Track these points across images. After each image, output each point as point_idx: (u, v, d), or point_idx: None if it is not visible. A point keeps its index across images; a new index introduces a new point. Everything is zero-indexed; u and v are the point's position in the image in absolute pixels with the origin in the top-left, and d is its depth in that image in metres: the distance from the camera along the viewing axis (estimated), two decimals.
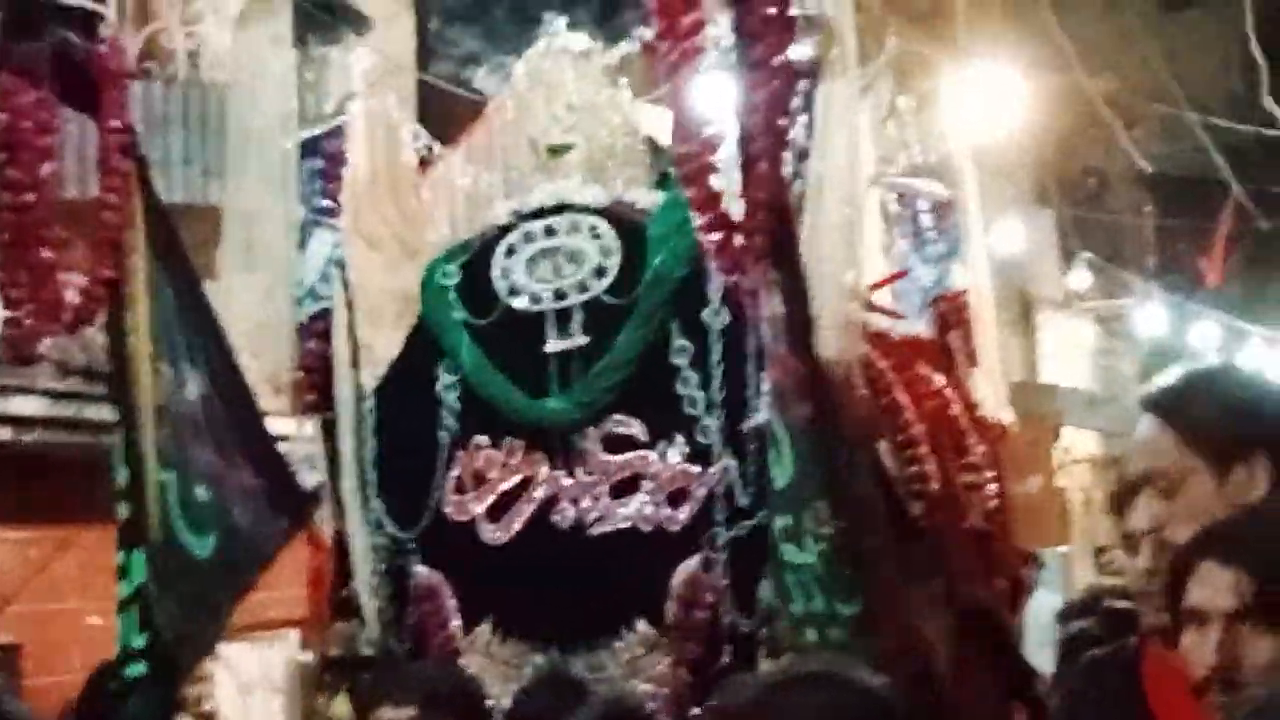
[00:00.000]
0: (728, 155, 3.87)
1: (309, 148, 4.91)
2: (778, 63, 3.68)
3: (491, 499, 4.78)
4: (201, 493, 4.47)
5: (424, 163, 5.26)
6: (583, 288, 4.77)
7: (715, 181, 3.88)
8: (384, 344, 5.02)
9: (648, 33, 4.31)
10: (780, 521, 3.91)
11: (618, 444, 4.66)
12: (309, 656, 4.97)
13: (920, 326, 5.24)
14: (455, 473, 4.83)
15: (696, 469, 4.54)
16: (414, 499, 4.86)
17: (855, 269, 4.04)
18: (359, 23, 5.03)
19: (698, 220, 3.98)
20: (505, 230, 4.93)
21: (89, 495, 5.09)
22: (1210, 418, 2.37)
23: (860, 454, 3.84)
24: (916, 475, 4.65)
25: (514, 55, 5.18)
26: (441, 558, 4.82)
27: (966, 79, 6.82)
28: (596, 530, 4.65)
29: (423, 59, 9.58)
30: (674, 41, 3.89)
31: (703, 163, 3.89)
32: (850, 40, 3.88)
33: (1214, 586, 2.08)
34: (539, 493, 4.73)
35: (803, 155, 3.84)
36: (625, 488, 4.63)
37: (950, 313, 5.32)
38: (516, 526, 4.74)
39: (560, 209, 4.88)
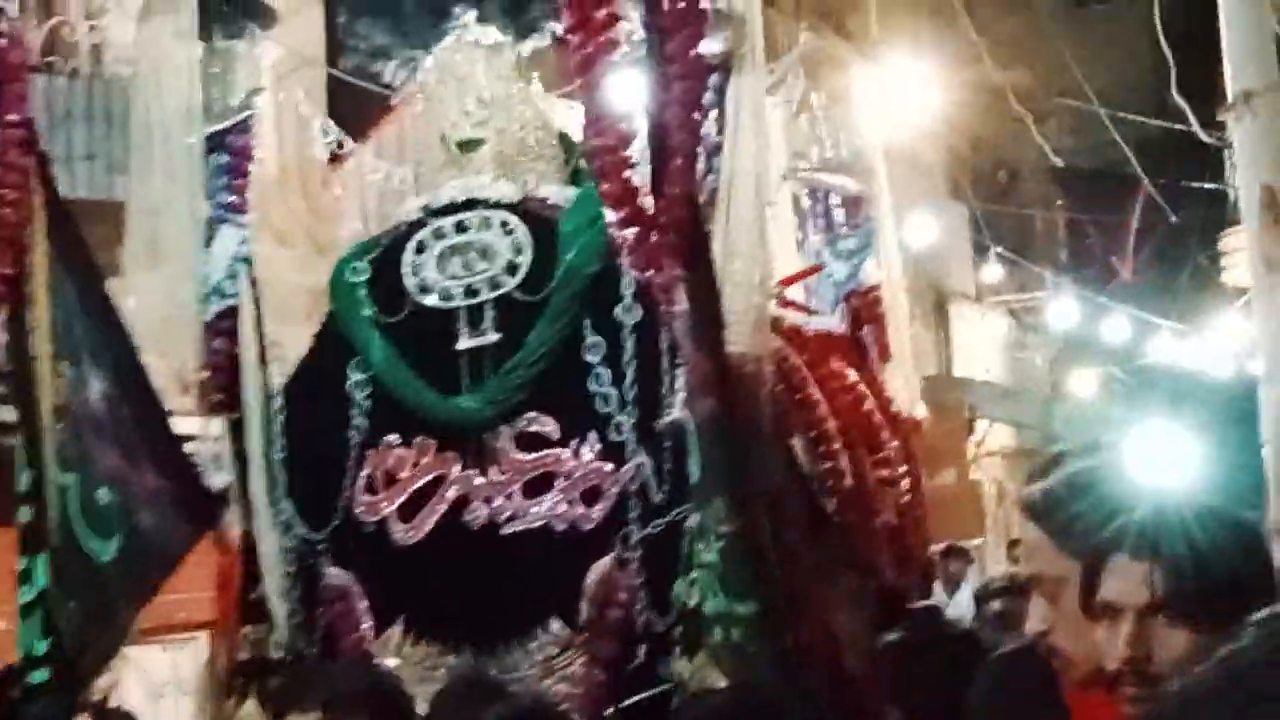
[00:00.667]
0: (640, 150, 3.85)
1: (215, 142, 4.83)
2: (689, 58, 3.67)
3: (403, 499, 4.72)
4: (104, 495, 4.40)
5: (334, 157, 5.20)
6: (494, 284, 4.72)
7: (628, 177, 3.85)
8: (293, 342, 4.95)
9: (559, 27, 4.28)
10: (692, 519, 3.89)
11: (530, 442, 4.62)
12: (217, 660, 4.88)
13: (833, 321, 5.26)
14: (366, 472, 4.77)
15: (610, 467, 4.51)
16: (324, 499, 4.80)
17: (768, 265, 4.03)
18: (266, 16, 4.95)
19: (610, 216, 3.96)
20: (416, 226, 4.88)
21: None
22: (1077, 525, 2.26)
23: (770, 450, 3.83)
24: (830, 470, 4.67)
25: (424, 49, 5.12)
26: (353, 559, 4.76)
27: (878, 74, 6.84)
28: (509, 529, 4.61)
29: (332, 52, 9.52)
30: (586, 36, 3.86)
31: (615, 158, 3.87)
32: (761, 36, 3.87)
33: (1126, 580, 2.08)
34: (451, 492, 4.68)
35: (715, 151, 3.82)
36: (538, 486, 4.59)
37: (863, 307, 5.35)
38: (429, 526, 4.69)
39: (471, 204, 4.83)
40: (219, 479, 4.84)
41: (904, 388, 5.31)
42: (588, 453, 4.54)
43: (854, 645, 4.16)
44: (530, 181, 4.89)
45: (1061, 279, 17.22)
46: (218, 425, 4.98)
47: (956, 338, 17.41)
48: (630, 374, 4.50)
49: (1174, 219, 15.68)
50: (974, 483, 15.54)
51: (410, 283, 4.81)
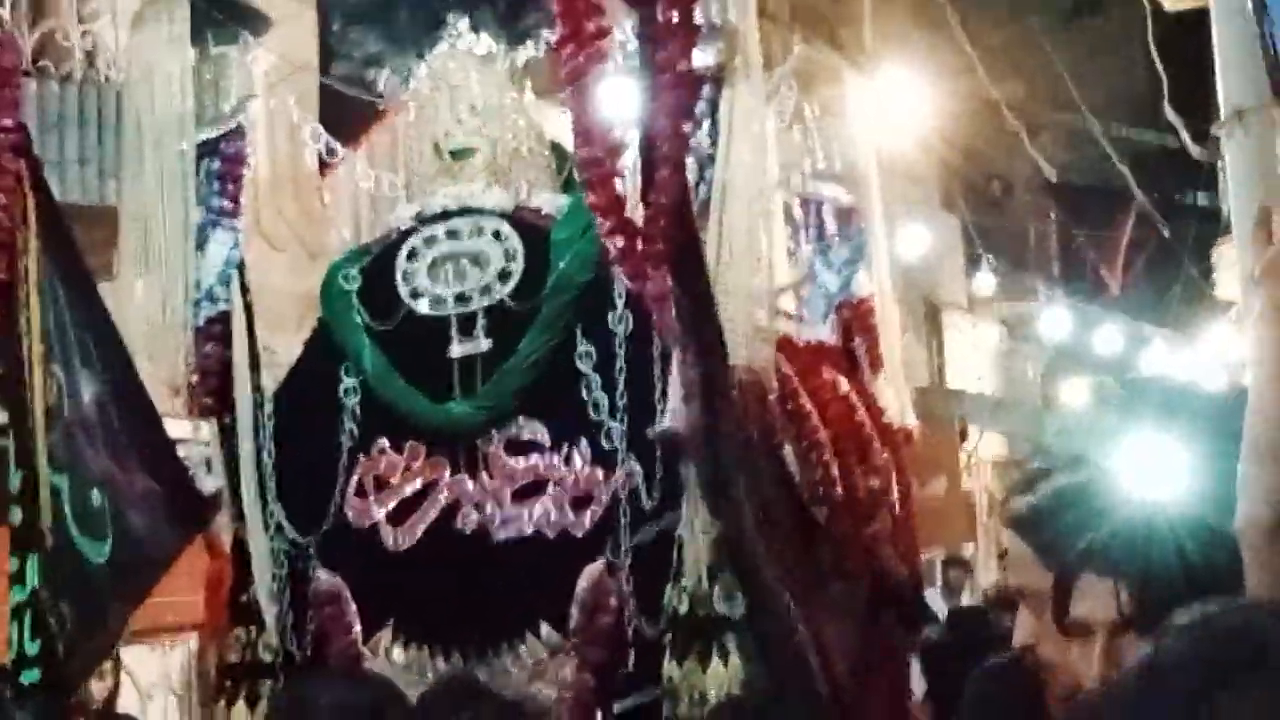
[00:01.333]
0: (631, 160, 3.86)
1: (207, 148, 4.84)
2: (681, 68, 3.68)
3: (394, 504, 4.73)
4: (96, 497, 4.40)
5: (326, 164, 5.21)
6: (486, 292, 4.73)
7: (619, 186, 3.86)
8: (285, 347, 4.96)
9: (552, 36, 4.29)
10: (682, 526, 3.90)
11: (521, 448, 4.63)
12: (207, 662, 4.89)
13: (825, 332, 5.26)
14: (357, 477, 4.78)
15: (601, 474, 4.52)
16: (315, 503, 4.80)
17: (760, 275, 4.04)
18: (258, 23, 4.96)
19: (601, 225, 3.97)
20: (407, 233, 4.90)
21: None
22: (1059, 541, 2.28)
23: (761, 459, 3.84)
24: (821, 480, 4.67)
25: (417, 57, 5.13)
26: (343, 563, 4.76)
27: (872, 86, 6.85)
28: (500, 535, 4.61)
29: (325, 60, 9.53)
30: (578, 45, 3.87)
31: (606, 168, 3.87)
32: (754, 47, 3.89)
33: (1094, 599, 2.09)
34: (442, 497, 4.69)
35: (707, 162, 3.84)
36: (529, 492, 4.60)
37: (855, 318, 5.35)
38: (419, 531, 4.70)
39: (464, 212, 4.85)
40: (210, 482, 4.85)
41: (895, 399, 5.32)
42: (579, 459, 4.55)
43: (844, 653, 4.17)
44: (523, 190, 4.90)
45: (1054, 290, 17.26)
46: (208, 429, 4.99)
47: (948, 348, 17.43)
48: (621, 382, 4.51)
49: (1166, 232, 15.72)
50: (965, 492, 15.57)
51: (402, 290, 4.82)
